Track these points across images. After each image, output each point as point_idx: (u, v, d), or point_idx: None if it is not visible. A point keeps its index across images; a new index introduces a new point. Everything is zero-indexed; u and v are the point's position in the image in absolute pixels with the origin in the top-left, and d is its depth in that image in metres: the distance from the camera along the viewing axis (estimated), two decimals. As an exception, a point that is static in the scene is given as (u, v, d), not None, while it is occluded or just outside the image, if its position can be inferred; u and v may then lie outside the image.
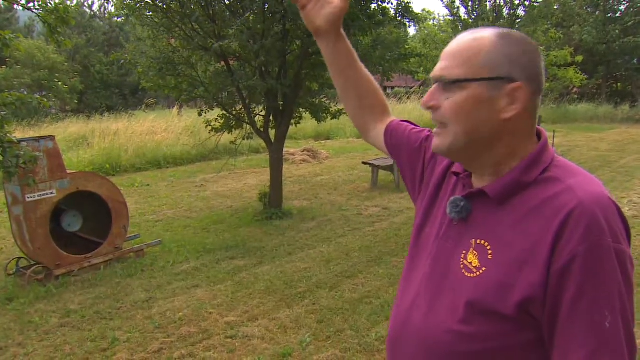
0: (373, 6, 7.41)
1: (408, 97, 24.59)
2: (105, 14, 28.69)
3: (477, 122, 1.14)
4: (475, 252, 1.16)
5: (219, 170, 11.98)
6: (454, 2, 12.31)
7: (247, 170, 13.02)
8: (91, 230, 6.46)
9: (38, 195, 5.53)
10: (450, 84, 1.14)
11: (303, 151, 14.55)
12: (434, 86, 1.18)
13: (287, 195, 9.36)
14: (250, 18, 7.06)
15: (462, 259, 1.18)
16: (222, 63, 7.90)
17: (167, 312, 4.80)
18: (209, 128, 8.83)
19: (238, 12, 7.42)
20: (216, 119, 8.79)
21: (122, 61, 8.59)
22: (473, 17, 12.51)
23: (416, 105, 22.84)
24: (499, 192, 1.17)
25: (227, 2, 7.67)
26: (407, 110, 21.08)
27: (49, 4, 5.17)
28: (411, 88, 35.02)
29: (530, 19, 12.27)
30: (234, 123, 8.70)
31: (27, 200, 5.47)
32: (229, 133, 9.00)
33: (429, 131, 1.53)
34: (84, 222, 6.31)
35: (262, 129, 8.27)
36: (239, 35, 6.65)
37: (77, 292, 5.40)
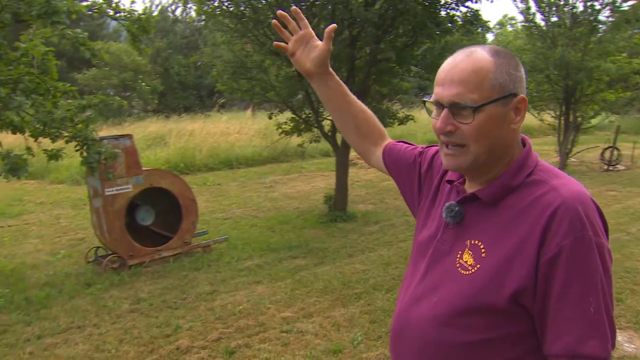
0: (442, 13, 7.43)
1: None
2: (186, 18, 29.90)
3: (496, 138, 1.25)
4: (470, 252, 1.27)
5: (288, 172, 12.27)
6: (529, 8, 12.04)
7: (316, 173, 13.26)
8: (162, 224, 6.84)
9: (116, 190, 5.94)
10: (468, 109, 1.22)
11: (372, 156, 14.60)
12: (444, 112, 1.25)
13: (353, 198, 9.49)
14: (321, 26, 7.25)
15: (458, 259, 1.30)
16: (293, 68, 8.14)
17: (228, 305, 5.05)
18: (280, 130, 9.13)
19: (309, 19, 7.63)
20: (286, 122, 9.07)
21: (199, 63, 9.01)
22: (550, 23, 12.19)
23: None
24: (490, 196, 1.28)
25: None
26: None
27: (133, 14, 5.56)
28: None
29: (613, 25, 11.82)
30: (303, 126, 8.95)
31: (106, 194, 5.89)
32: (298, 136, 9.26)
33: (422, 147, 1.65)
34: (156, 216, 6.70)
35: (329, 133, 8.46)
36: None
37: (147, 281, 5.76)
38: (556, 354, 1.15)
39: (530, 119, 14.20)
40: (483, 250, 1.24)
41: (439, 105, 1.27)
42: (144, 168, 6.31)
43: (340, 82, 1.70)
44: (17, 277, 6.02)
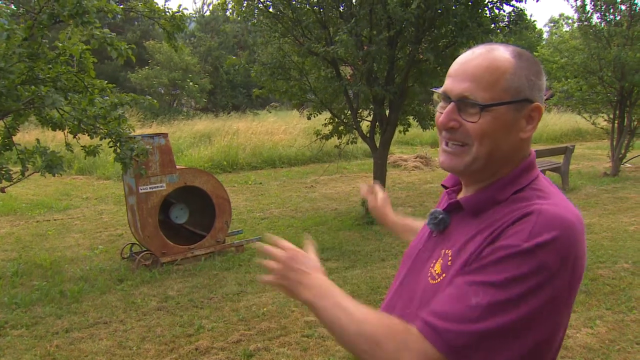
0: (485, 14, 7.21)
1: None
2: (238, 18, 30.42)
3: (501, 143, 1.16)
4: (441, 261, 1.19)
5: (329, 173, 12.21)
6: (585, 6, 11.57)
7: (358, 173, 13.15)
8: (196, 223, 6.89)
9: (150, 188, 6.01)
10: (476, 107, 1.14)
11: (416, 158, 14.41)
12: (450, 106, 1.18)
13: (392, 201, 9.10)
14: (357, 24, 7.15)
15: (430, 268, 1.22)
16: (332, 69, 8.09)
17: (253, 307, 5.02)
18: (319, 135, 9.15)
19: (349, 20, 7.56)
20: (325, 124, 9.04)
21: (237, 66, 9.06)
22: (606, 22, 11.70)
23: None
24: (472, 205, 1.20)
25: (341, 10, 7.83)
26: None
27: (167, 13, 5.63)
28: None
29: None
30: (342, 128, 8.89)
31: (140, 191, 5.97)
32: (338, 138, 9.21)
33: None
34: (190, 215, 6.75)
35: (367, 134, 8.35)
36: (346, 41, 6.77)
37: (177, 279, 5.80)
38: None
39: (583, 122, 13.69)
40: (450, 258, 1.16)
41: (447, 98, 1.19)
42: (178, 167, 6.36)
43: (400, 221, 1.90)
44: (55, 271, 6.17)
